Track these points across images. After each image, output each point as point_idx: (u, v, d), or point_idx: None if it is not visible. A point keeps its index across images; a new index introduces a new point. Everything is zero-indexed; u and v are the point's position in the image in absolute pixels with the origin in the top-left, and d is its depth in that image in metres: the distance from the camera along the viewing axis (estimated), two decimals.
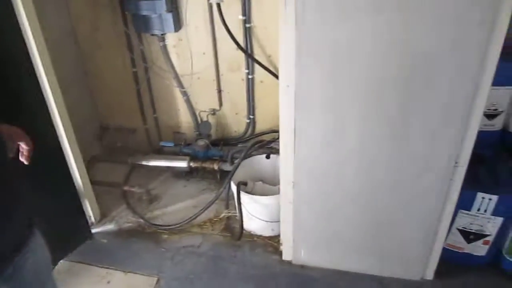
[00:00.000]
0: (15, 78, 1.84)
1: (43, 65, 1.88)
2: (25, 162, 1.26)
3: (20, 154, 1.26)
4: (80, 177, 2.23)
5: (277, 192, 2.15)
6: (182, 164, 2.68)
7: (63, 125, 2.05)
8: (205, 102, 2.75)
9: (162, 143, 2.86)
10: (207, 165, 2.66)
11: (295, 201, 1.88)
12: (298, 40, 1.47)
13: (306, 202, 1.87)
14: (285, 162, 1.80)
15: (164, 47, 2.56)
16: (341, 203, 1.82)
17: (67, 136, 2.09)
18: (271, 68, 2.44)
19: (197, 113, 2.79)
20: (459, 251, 1.98)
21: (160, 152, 2.87)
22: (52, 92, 1.96)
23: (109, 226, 2.43)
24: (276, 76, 2.42)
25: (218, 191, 2.37)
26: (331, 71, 1.50)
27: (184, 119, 2.87)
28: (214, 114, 2.77)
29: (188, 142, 2.84)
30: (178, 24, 2.45)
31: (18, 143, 1.25)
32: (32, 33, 1.83)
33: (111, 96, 2.89)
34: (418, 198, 1.72)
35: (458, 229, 1.92)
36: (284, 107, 1.65)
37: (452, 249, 1.98)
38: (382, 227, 1.84)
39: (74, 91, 2.61)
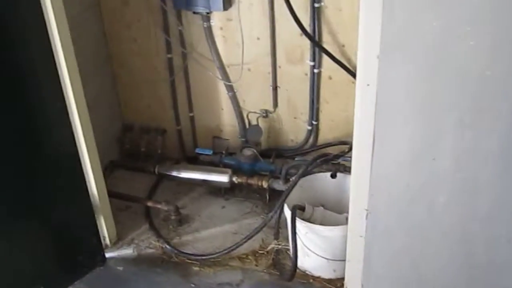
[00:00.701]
0: (29, 60, 1.95)
1: (63, 46, 1.99)
2: None
3: None
4: (97, 186, 2.33)
5: (343, 222, 2.15)
6: (222, 178, 2.74)
7: (80, 121, 2.15)
8: (255, 100, 2.80)
9: (198, 150, 2.93)
10: (253, 181, 2.70)
11: (368, 235, 1.87)
12: (384, 27, 1.49)
13: (382, 237, 1.86)
14: (357, 183, 1.81)
15: (209, 28, 2.64)
16: (429, 239, 1.80)
17: (84, 135, 2.19)
18: (343, 61, 2.46)
19: (244, 115, 2.85)
20: None
21: (194, 162, 2.95)
22: (71, 80, 2.06)
23: (127, 251, 2.51)
24: (351, 72, 2.44)
25: (267, 215, 2.40)
26: (425, 67, 1.50)
27: (228, 121, 2.93)
28: (266, 116, 2.81)
29: (231, 150, 2.89)
30: (228, 1, 2.52)
31: None
32: (52, 4, 1.92)
33: (138, 87, 3.00)
34: None
35: None
36: (361, 111, 1.66)
37: None
38: (480, 272, 1.81)
39: (94, 80, 2.72)
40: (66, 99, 2.10)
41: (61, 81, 2.06)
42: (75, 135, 2.18)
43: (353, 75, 2.43)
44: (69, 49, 2.04)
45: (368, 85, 1.60)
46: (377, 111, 1.62)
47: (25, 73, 1.95)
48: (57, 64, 2.02)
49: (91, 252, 2.41)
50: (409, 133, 1.62)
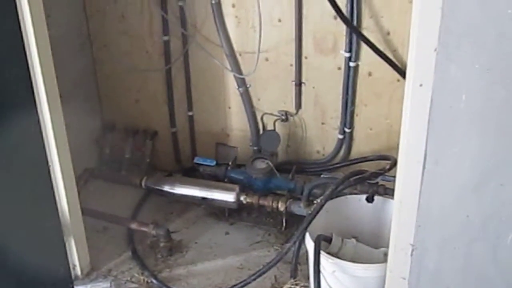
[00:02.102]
0: None
1: (33, 19, 1.98)
2: None
3: None
4: (67, 201, 2.32)
5: (381, 259, 2.14)
6: (226, 196, 2.73)
7: (51, 116, 2.15)
8: (273, 99, 2.80)
9: (197, 160, 2.92)
10: (267, 202, 2.69)
11: (412, 277, 1.85)
12: (444, 10, 1.48)
13: (431, 282, 1.84)
14: (401, 211, 1.79)
15: (218, 5, 2.64)
16: (496, 287, 1.78)
17: (55, 134, 2.18)
18: (388, 54, 2.46)
19: (258, 117, 2.85)
20: None
21: (192, 174, 2.95)
22: (42, 64, 2.06)
23: (102, 285, 2.50)
24: (397, 68, 2.43)
25: (282, 247, 2.39)
26: (497, 64, 1.49)
27: (237, 124, 2.93)
28: (286, 120, 2.81)
29: (239, 162, 2.89)
30: None
31: None
32: None
33: (124, 77, 3.02)
34: None
35: None
36: (410, 118, 1.64)
37: None
38: None
39: (69, 65, 2.73)
40: (34, 86, 2.10)
41: (29, 63, 2.06)
42: (43, 134, 2.18)
43: (400, 71, 2.43)
44: (41, 24, 2.04)
45: (420, 85, 1.58)
46: (432, 119, 1.61)
47: None
48: (25, 41, 2.02)
49: (57, 286, 2.41)
50: (473, 149, 1.60)
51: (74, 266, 2.47)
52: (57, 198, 2.30)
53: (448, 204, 1.71)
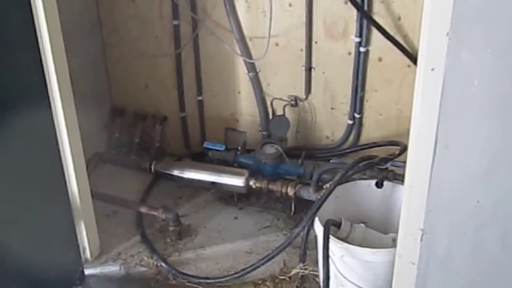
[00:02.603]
0: (2, 20, 1.96)
1: (45, 4, 1.98)
2: None
3: None
4: (78, 185, 2.33)
5: (390, 244, 2.14)
6: (236, 181, 2.74)
7: (62, 101, 2.15)
8: (283, 84, 2.80)
9: (206, 145, 2.93)
10: (276, 187, 2.69)
11: (421, 262, 1.85)
12: None
13: (440, 267, 1.84)
14: (411, 195, 1.78)
15: None
16: (501, 277, 1.77)
17: (66, 118, 2.19)
18: (399, 39, 2.45)
19: (268, 102, 2.85)
20: None
21: (201, 159, 2.96)
22: (53, 48, 2.06)
23: (112, 268, 2.52)
24: (408, 53, 2.43)
25: (291, 232, 2.39)
26: (509, 49, 1.48)
27: (246, 109, 2.93)
28: (295, 105, 2.81)
29: (248, 147, 2.89)
30: None
31: None
32: None
33: (134, 62, 3.02)
34: None
35: None
36: (421, 103, 1.63)
37: None
38: None
39: (79, 50, 2.72)
40: (45, 71, 2.10)
41: (40, 48, 2.06)
42: (54, 119, 2.18)
43: (411, 57, 2.43)
44: (52, 9, 2.04)
45: (432, 69, 1.58)
46: (443, 104, 1.60)
47: None
48: (37, 26, 2.03)
49: (67, 267, 2.42)
50: (484, 134, 1.59)
51: (84, 249, 2.49)
52: (67, 182, 2.31)
53: (458, 189, 1.71)
